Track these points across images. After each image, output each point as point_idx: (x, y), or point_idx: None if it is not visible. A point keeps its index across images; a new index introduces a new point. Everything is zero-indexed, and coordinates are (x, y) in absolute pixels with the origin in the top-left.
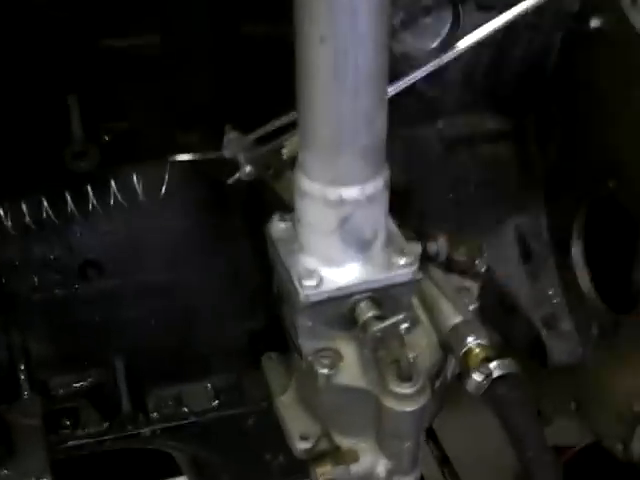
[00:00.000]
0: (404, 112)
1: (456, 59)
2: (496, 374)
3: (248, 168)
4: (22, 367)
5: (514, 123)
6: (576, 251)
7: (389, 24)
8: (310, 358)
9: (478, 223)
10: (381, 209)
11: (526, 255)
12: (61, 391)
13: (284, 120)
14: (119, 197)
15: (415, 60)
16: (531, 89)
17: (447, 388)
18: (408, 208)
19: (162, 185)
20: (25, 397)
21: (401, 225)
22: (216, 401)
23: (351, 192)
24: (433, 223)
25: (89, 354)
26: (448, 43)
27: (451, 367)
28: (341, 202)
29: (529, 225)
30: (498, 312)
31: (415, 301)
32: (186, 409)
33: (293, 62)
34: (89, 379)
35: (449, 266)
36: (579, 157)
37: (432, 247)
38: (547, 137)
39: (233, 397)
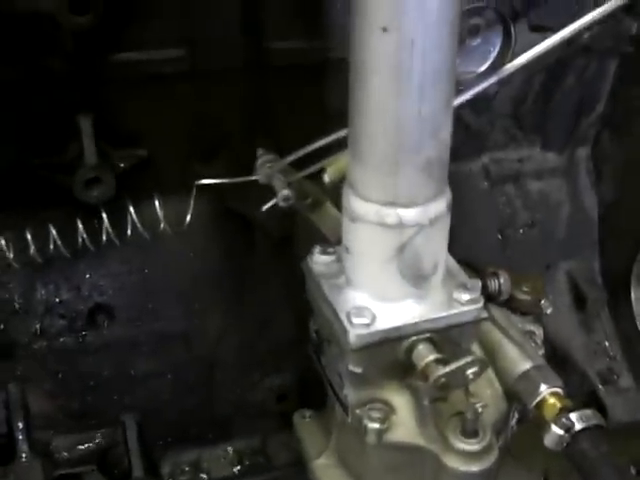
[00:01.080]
0: None
1: (506, 86)
2: (579, 427)
3: (285, 192)
4: (20, 425)
5: (564, 158)
6: (637, 298)
7: (460, 16)
8: (358, 411)
9: (526, 267)
10: (443, 236)
11: (579, 303)
12: (65, 454)
13: (323, 142)
14: (136, 231)
15: (461, 85)
16: (583, 121)
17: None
18: (451, 249)
19: (184, 219)
20: (23, 460)
21: None
22: (239, 467)
23: (413, 214)
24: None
25: (97, 412)
26: (497, 67)
27: (512, 422)
28: (401, 226)
29: (581, 270)
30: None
31: (476, 347)
32: (205, 476)
33: (327, 80)
34: (97, 440)
35: (510, 306)
36: (638, 193)
37: (493, 284)
38: (600, 173)
39: (258, 462)
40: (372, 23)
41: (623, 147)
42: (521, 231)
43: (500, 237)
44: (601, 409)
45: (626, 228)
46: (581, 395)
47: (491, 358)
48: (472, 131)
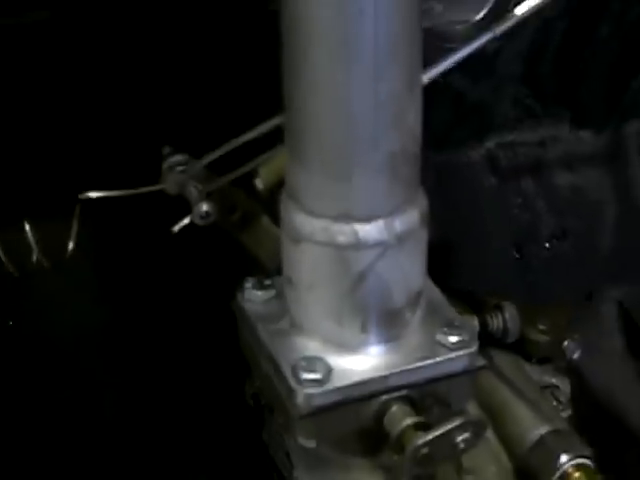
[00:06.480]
0: (435, 126)
1: (513, 38)
2: None
3: (204, 207)
4: None
5: (606, 138)
6: None
7: None
8: None
9: (557, 297)
10: (417, 257)
11: (636, 345)
12: None
13: (252, 136)
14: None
15: (449, 41)
16: (631, 83)
17: None
18: (446, 278)
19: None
20: None
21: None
22: None
23: (374, 230)
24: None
25: None
26: (499, 14)
27: None
28: (359, 246)
29: (637, 299)
30: (597, 432)
31: (473, 408)
32: None
33: (255, 48)
34: None
35: (522, 350)
36: None
37: (495, 321)
38: None
39: None
40: None
41: None
42: (547, 245)
43: (517, 255)
44: None
45: None
46: None
47: (496, 422)
48: (468, 105)
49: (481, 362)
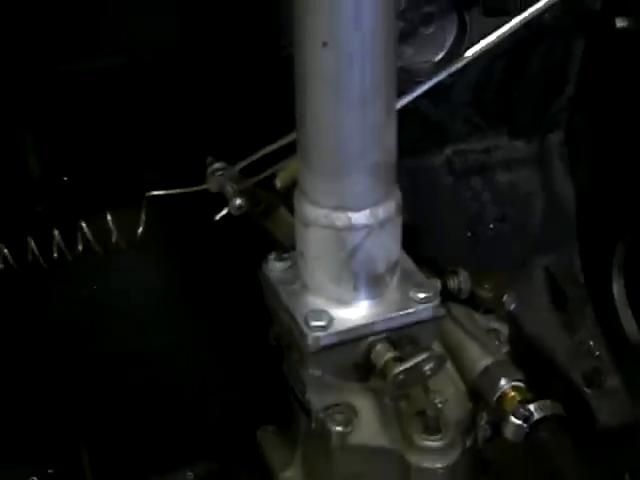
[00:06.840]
0: (406, 139)
1: (464, 74)
2: (537, 416)
3: (238, 201)
4: None
5: (535, 146)
6: (618, 293)
7: (396, 25)
8: (321, 415)
9: (499, 265)
10: (394, 236)
11: (559, 301)
12: None
13: (273, 147)
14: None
15: (416, 76)
16: (553, 105)
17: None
18: (416, 251)
19: (136, 232)
20: None
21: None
22: None
23: (362, 217)
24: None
25: (47, 441)
26: (454, 55)
27: (482, 430)
28: (351, 228)
29: (560, 266)
30: (529, 368)
31: (437, 345)
32: None
33: (275, 83)
34: (48, 471)
35: (473, 304)
36: (615, 182)
37: (452, 283)
38: (575, 160)
39: None
40: (313, 38)
41: (599, 131)
42: (491, 227)
43: (469, 234)
44: (588, 413)
45: (604, 220)
46: (567, 401)
47: (453, 356)
48: (431, 123)
49: (442, 312)
